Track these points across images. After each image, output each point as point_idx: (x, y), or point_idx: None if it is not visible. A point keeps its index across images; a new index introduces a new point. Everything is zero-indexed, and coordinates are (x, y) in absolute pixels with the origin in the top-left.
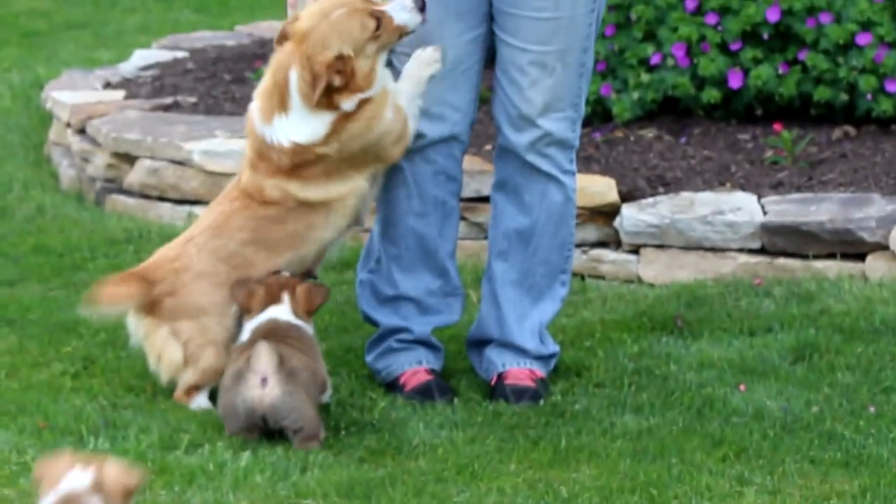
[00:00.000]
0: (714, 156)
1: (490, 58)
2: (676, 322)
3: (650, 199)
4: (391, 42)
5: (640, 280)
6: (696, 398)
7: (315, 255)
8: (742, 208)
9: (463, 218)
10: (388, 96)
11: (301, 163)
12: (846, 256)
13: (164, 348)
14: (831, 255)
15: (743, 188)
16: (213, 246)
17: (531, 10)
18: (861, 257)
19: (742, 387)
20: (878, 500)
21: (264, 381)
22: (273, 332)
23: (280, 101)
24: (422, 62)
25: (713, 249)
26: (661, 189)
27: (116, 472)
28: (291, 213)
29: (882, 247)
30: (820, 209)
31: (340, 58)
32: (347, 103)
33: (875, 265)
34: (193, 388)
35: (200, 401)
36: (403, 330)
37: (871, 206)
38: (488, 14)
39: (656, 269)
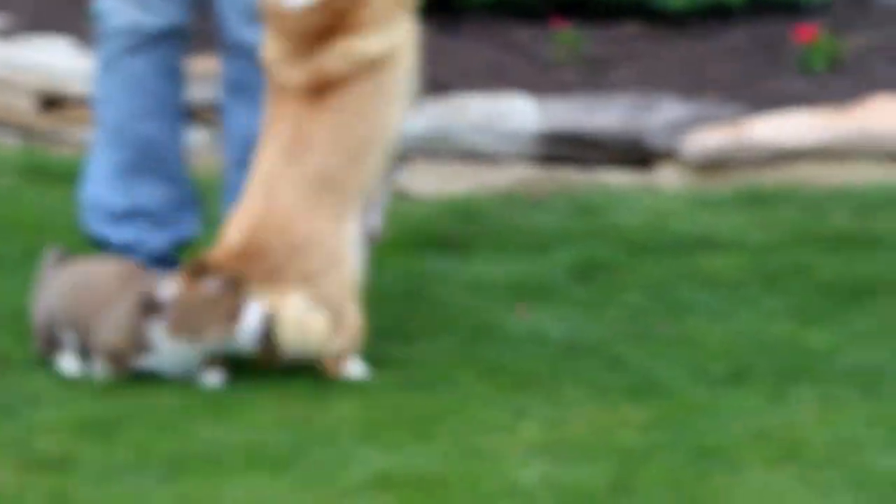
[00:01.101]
0: (489, 55)
1: None
2: (448, 239)
3: (418, 104)
4: None
5: (407, 194)
6: (469, 322)
7: (391, 160)
8: (519, 113)
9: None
10: None
11: (349, 5)
12: (634, 165)
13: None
14: (617, 164)
15: (520, 91)
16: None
17: None
18: (650, 166)
19: (520, 309)
20: (668, 430)
21: None
22: None
23: None
24: None
25: (487, 159)
26: (430, 92)
27: None
28: (366, 87)
29: (673, 154)
30: (605, 113)
31: None
32: None
33: (665, 174)
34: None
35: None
36: (139, 246)
37: (661, 109)
38: None
39: (425, 180)
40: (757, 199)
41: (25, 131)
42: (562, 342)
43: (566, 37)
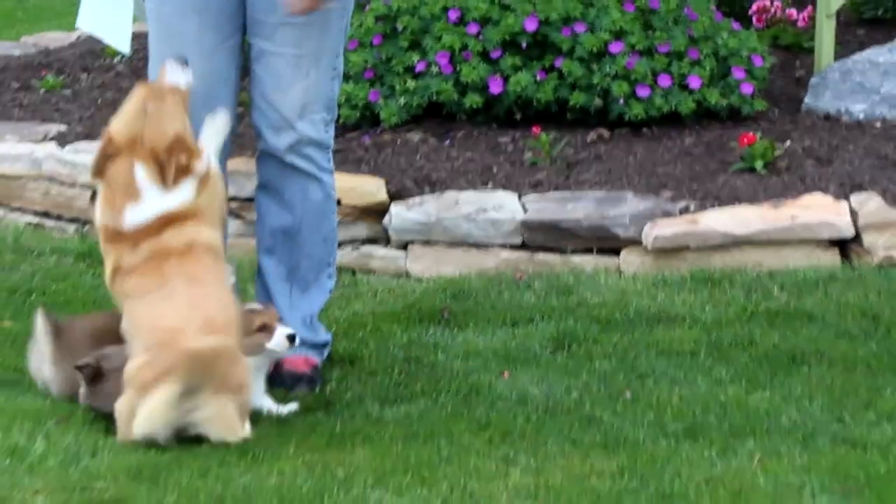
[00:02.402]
0: (477, 157)
1: (245, 67)
2: (443, 314)
3: (417, 199)
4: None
5: (408, 274)
6: (463, 385)
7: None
8: (504, 206)
9: (240, 217)
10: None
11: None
12: (602, 251)
13: (233, 422)
14: (588, 251)
15: (504, 187)
16: (211, 293)
17: (285, 15)
18: (616, 252)
19: (506, 374)
20: (635, 477)
21: None
22: None
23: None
24: (216, 130)
25: (477, 245)
26: (427, 189)
27: None
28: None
29: (635, 242)
30: (577, 207)
31: (179, 137)
32: (200, 165)
33: (629, 259)
34: None
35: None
36: None
37: (625, 203)
38: (243, 24)
39: (424, 263)
40: (708, 281)
41: (82, 221)
42: (542, 402)
43: (542, 142)
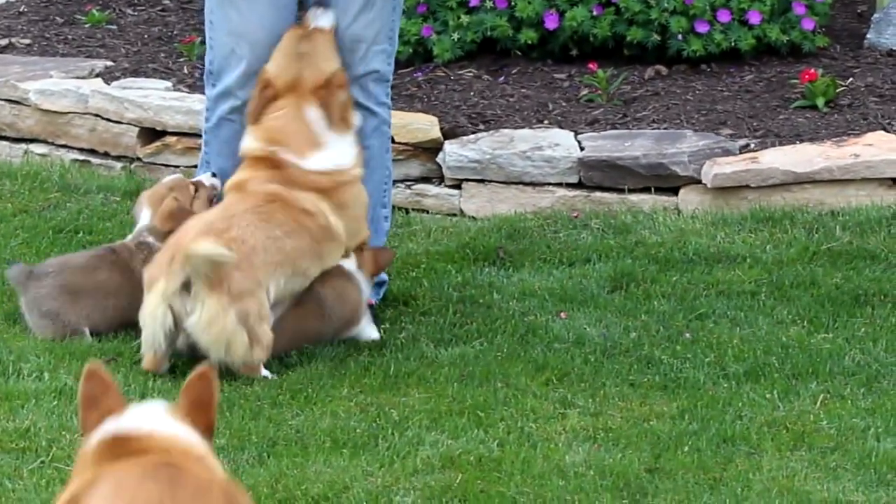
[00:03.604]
0: (532, 94)
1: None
2: (498, 253)
3: (471, 136)
4: None
5: (462, 213)
6: (519, 325)
7: (298, 290)
8: (560, 144)
9: None
10: None
11: (335, 185)
12: (660, 190)
13: (232, 331)
14: (646, 189)
15: (560, 125)
16: (264, 227)
17: None
18: (674, 191)
19: (563, 314)
20: (695, 420)
21: None
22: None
23: (308, 140)
24: None
25: (532, 184)
26: (481, 126)
27: None
28: (319, 232)
29: (694, 180)
30: (634, 145)
31: (334, 73)
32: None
33: (688, 198)
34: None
35: (266, 372)
36: None
37: (683, 141)
38: None
39: (478, 202)
40: (768, 220)
41: (129, 158)
42: (600, 343)
43: (598, 78)
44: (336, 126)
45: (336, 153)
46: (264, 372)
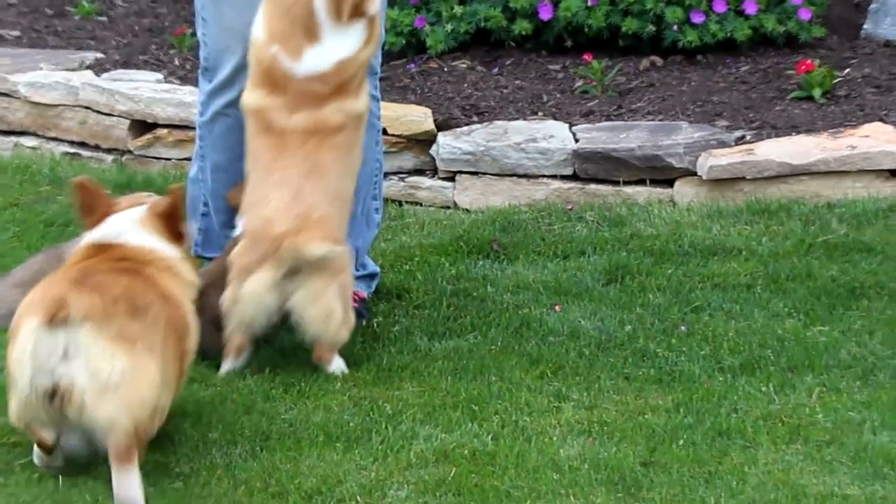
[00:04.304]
0: (526, 85)
1: None
2: (492, 246)
3: (465, 128)
4: None
5: (456, 206)
6: (513, 318)
7: None
8: (554, 136)
9: None
10: None
11: (347, 78)
12: (655, 182)
13: (333, 306)
14: (641, 181)
15: (554, 117)
16: (325, 187)
17: None
18: (669, 183)
19: (557, 307)
20: (690, 413)
21: None
22: None
23: (307, 34)
24: None
25: (527, 176)
26: (475, 118)
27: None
28: (353, 134)
29: (689, 172)
30: (630, 136)
31: None
32: (372, 6)
33: (683, 190)
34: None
35: (340, 362)
36: None
37: (679, 133)
38: None
39: (472, 194)
40: (764, 212)
41: (120, 151)
42: (595, 336)
43: (593, 70)
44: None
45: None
46: (338, 360)
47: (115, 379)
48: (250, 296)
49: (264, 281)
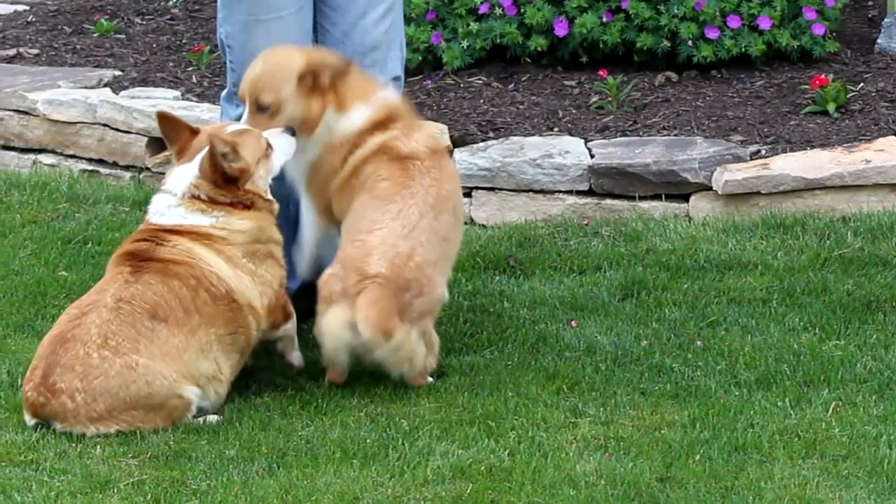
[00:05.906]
0: (542, 101)
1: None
2: (508, 261)
3: (481, 144)
4: None
5: (472, 221)
6: (529, 334)
7: None
8: (570, 151)
9: None
10: None
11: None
12: (671, 197)
13: (415, 350)
14: (656, 196)
15: (570, 132)
16: (436, 226)
17: None
18: (685, 198)
19: (574, 323)
20: (706, 429)
21: None
22: None
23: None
24: None
25: (543, 191)
26: (491, 134)
27: None
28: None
29: (705, 187)
30: (645, 151)
31: None
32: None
33: (698, 205)
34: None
35: (430, 379)
36: None
37: (694, 148)
38: None
39: (488, 210)
40: (779, 226)
41: (138, 168)
42: (611, 352)
43: (609, 85)
44: None
45: None
46: (429, 379)
47: None
48: (329, 329)
49: (342, 317)
